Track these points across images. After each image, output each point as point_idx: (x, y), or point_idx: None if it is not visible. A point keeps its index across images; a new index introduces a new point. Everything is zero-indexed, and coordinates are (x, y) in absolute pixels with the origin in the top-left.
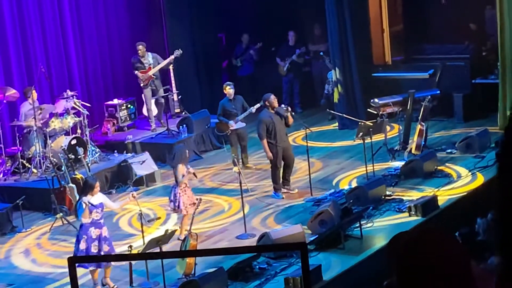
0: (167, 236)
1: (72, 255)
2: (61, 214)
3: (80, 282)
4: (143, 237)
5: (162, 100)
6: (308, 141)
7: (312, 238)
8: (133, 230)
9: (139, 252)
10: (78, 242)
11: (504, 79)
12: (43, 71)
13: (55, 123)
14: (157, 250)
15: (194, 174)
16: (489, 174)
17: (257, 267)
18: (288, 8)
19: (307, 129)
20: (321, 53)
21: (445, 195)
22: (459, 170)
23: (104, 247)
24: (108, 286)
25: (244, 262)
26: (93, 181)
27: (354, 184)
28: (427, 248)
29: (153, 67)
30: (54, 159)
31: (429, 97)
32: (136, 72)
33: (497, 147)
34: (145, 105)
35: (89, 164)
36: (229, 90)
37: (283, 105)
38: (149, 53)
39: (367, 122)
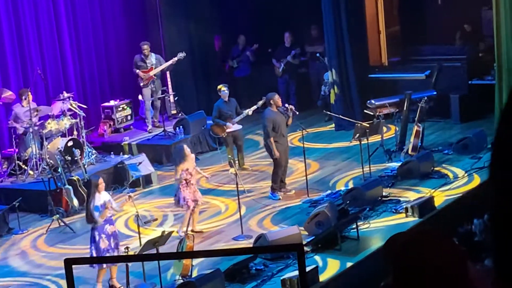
0: (164, 238)
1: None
2: (57, 215)
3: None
4: (139, 238)
5: (159, 102)
6: (304, 142)
7: (308, 239)
8: (129, 232)
9: (136, 253)
10: (96, 243)
11: (500, 80)
12: (40, 74)
13: (52, 125)
14: (154, 251)
15: (202, 175)
16: (485, 175)
17: (254, 268)
18: (284, 9)
19: (304, 130)
20: (318, 54)
21: (441, 196)
22: (455, 171)
23: (119, 243)
24: (115, 287)
25: (240, 264)
26: (96, 179)
27: (350, 185)
28: (423, 249)
29: (155, 68)
30: (51, 161)
31: (426, 98)
32: (137, 71)
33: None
34: (141, 104)
35: (86, 166)
36: (224, 92)
37: (286, 105)
38: (152, 54)
39: (364, 123)
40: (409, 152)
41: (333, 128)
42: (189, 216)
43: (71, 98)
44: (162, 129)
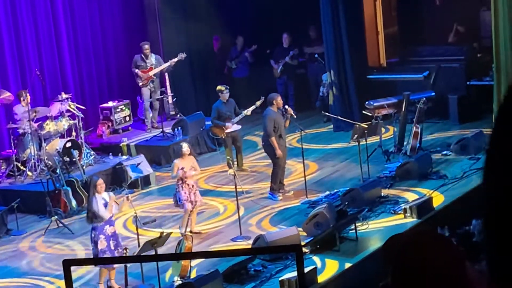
0: (163, 239)
1: (67, 257)
2: (56, 216)
3: (80, 282)
4: (138, 239)
5: (157, 103)
6: (303, 143)
7: (307, 240)
8: (128, 233)
9: (135, 254)
10: (95, 243)
11: (499, 80)
12: (38, 74)
13: (50, 126)
14: (152, 252)
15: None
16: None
17: (253, 269)
18: (283, 11)
19: (302, 131)
20: (316, 55)
21: (440, 196)
22: (454, 172)
23: (120, 244)
24: None
25: (239, 265)
26: (95, 179)
27: (349, 186)
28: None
29: (155, 68)
30: (49, 162)
31: (424, 99)
32: (136, 70)
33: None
34: (140, 105)
35: (84, 167)
36: (225, 93)
37: (286, 106)
38: (152, 54)
39: (362, 124)
40: (408, 153)
41: (332, 129)
42: (188, 217)
43: (69, 99)
44: (161, 130)
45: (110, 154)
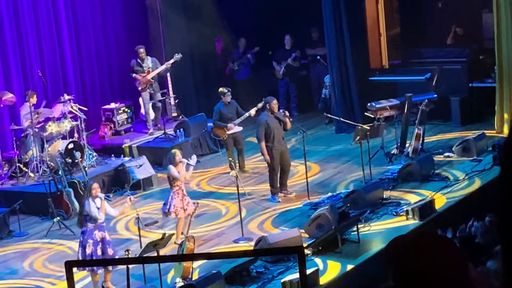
0: (165, 240)
1: (69, 259)
2: (58, 218)
3: (80, 285)
4: (140, 241)
5: (159, 104)
6: (305, 145)
7: (309, 242)
8: (130, 234)
9: (137, 256)
10: (83, 247)
11: (501, 82)
12: (40, 76)
13: (52, 127)
14: (154, 254)
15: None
16: (486, 178)
17: (254, 271)
18: (285, 12)
19: (304, 133)
20: (318, 57)
21: (442, 198)
22: (456, 174)
23: (108, 250)
24: None
25: (241, 266)
26: (90, 183)
27: (351, 188)
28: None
29: (152, 71)
30: (51, 163)
31: (426, 100)
32: (134, 75)
33: (494, 150)
34: (142, 108)
35: (86, 168)
36: (227, 96)
37: (281, 110)
38: (148, 57)
39: (364, 126)
40: (410, 154)
41: (334, 131)
42: (182, 222)
43: (71, 100)
44: (163, 131)
45: (112, 155)
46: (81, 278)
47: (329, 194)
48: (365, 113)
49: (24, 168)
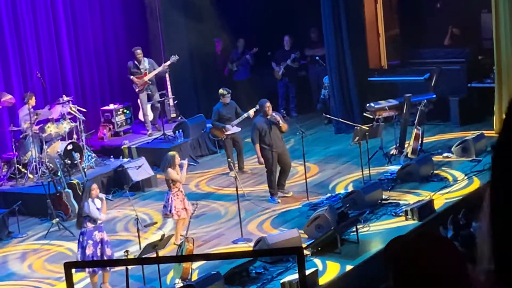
0: (164, 241)
1: (68, 260)
2: (57, 219)
3: (79, 286)
4: (139, 242)
5: (158, 105)
6: (304, 146)
7: (308, 243)
8: (129, 235)
9: (136, 257)
10: (83, 248)
11: (500, 82)
12: (39, 77)
13: (51, 129)
14: (154, 255)
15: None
16: (485, 178)
17: (254, 271)
18: (284, 13)
19: (303, 134)
20: (317, 58)
21: (441, 199)
22: (455, 174)
23: (107, 251)
24: None
25: (240, 267)
26: (89, 184)
27: (350, 189)
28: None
29: (149, 73)
30: (50, 165)
31: (425, 101)
32: (131, 77)
33: (493, 151)
34: (141, 110)
35: (85, 169)
36: (226, 97)
37: (273, 113)
38: (145, 59)
39: (363, 126)
40: (409, 155)
41: (333, 131)
42: (182, 225)
43: (70, 101)
44: (162, 132)
45: (111, 156)
46: (80, 280)
47: (328, 194)
48: (364, 114)
49: (23, 170)
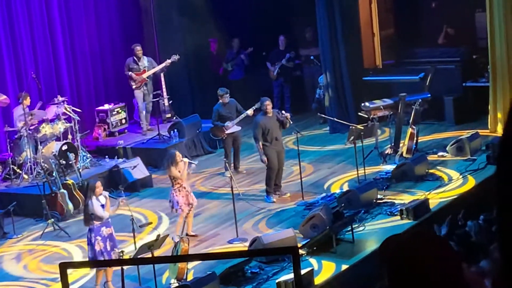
0: (159, 241)
1: (63, 260)
2: (52, 220)
3: (76, 285)
4: (134, 242)
5: (150, 105)
6: (299, 145)
7: (304, 242)
8: (124, 236)
9: (131, 257)
10: (91, 245)
11: (494, 82)
12: (34, 77)
13: (46, 129)
14: (149, 255)
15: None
16: (480, 177)
17: (249, 271)
18: (279, 13)
19: (298, 133)
20: (312, 57)
21: (436, 198)
22: (450, 173)
23: (117, 245)
24: None
25: (236, 267)
26: (93, 182)
27: (345, 188)
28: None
29: (148, 70)
30: (45, 165)
31: (420, 100)
32: (130, 73)
33: (488, 149)
34: (136, 108)
35: (80, 170)
36: (225, 97)
37: (283, 112)
38: (144, 57)
39: (358, 126)
40: (404, 154)
41: (328, 131)
42: (183, 220)
43: (65, 102)
44: (157, 132)
45: (106, 156)
46: (76, 280)
47: (324, 194)
48: (359, 113)
49: (18, 170)
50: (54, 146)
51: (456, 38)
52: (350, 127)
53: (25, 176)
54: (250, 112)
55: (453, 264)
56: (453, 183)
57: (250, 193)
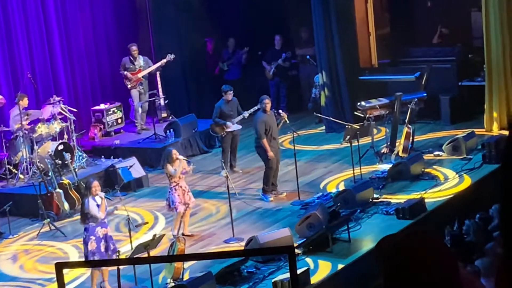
0: (155, 241)
1: (60, 260)
2: (48, 219)
3: (73, 285)
4: (131, 242)
5: (146, 104)
6: (295, 145)
7: (300, 242)
8: (120, 236)
9: (127, 257)
10: (86, 244)
11: (490, 81)
12: (30, 77)
13: (42, 129)
14: (145, 255)
15: (186, 161)
16: (476, 176)
17: (245, 271)
18: (275, 12)
19: (294, 133)
20: (308, 57)
21: (432, 197)
22: (446, 172)
23: (111, 246)
24: None
25: (232, 266)
26: (90, 181)
27: (341, 187)
28: (414, 251)
29: (143, 70)
30: (41, 165)
31: (416, 99)
32: (125, 72)
33: (483, 149)
34: (132, 107)
35: (76, 170)
36: (228, 94)
37: (280, 111)
38: (140, 56)
39: (354, 125)
40: (400, 153)
41: (324, 130)
42: (180, 219)
43: (61, 101)
44: (152, 132)
45: (102, 156)
46: (73, 279)
47: (320, 193)
48: (355, 113)
49: (14, 170)
50: (50, 146)
51: (451, 37)
52: (346, 126)
53: (21, 176)
54: (247, 114)
55: (449, 263)
56: (449, 182)
57: (246, 193)
